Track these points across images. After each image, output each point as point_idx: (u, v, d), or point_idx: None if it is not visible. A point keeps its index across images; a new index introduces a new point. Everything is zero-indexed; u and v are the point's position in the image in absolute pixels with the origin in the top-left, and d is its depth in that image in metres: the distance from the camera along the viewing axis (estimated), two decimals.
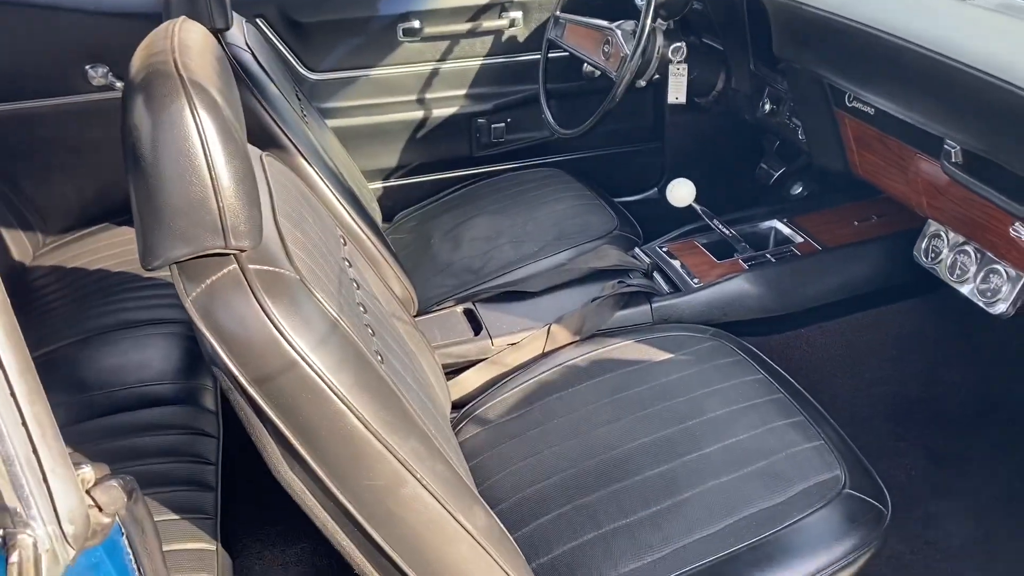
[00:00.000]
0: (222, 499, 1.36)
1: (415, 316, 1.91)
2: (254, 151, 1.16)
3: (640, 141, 2.98)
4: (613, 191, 2.64)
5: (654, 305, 1.97)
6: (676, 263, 2.15)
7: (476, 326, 1.95)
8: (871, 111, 1.87)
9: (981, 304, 1.80)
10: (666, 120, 2.96)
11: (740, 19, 2.32)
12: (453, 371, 1.81)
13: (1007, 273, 1.75)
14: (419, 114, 2.73)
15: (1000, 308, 1.76)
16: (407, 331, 1.45)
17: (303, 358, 0.84)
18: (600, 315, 1.88)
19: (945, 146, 1.63)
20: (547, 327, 1.85)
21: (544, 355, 1.78)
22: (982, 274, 1.81)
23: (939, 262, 1.93)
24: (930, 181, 1.80)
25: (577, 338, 1.81)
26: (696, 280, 2.05)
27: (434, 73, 2.69)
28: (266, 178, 1.11)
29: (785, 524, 1.22)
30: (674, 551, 1.22)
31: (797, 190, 2.77)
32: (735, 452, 1.34)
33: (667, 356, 1.60)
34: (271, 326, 0.83)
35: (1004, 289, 1.76)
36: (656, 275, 2.11)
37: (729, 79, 2.50)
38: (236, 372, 0.83)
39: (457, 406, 1.70)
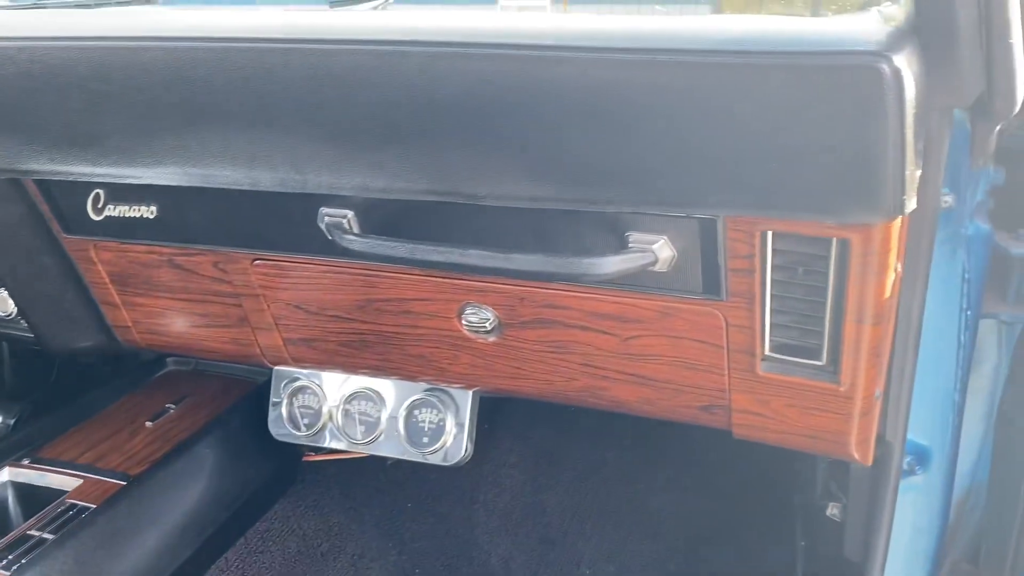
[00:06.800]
0: None
1: None
2: None
3: None
4: None
5: None
6: None
7: None
8: (152, 212, 1.04)
9: (431, 460, 1.16)
10: None
11: None
12: None
13: (441, 403, 1.14)
14: None
15: (458, 454, 1.14)
16: None
17: None
18: None
19: (326, 217, 0.94)
20: None
21: None
22: (404, 421, 1.17)
23: (320, 427, 1.21)
24: (288, 300, 1.07)
25: None
26: None
27: None
28: None
29: None
30: None
31: None
32: None
33: None
34: None
35: (448, 424, 1.14)
36: None
37: None
38: None
39: None
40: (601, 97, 0.72)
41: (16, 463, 1.22)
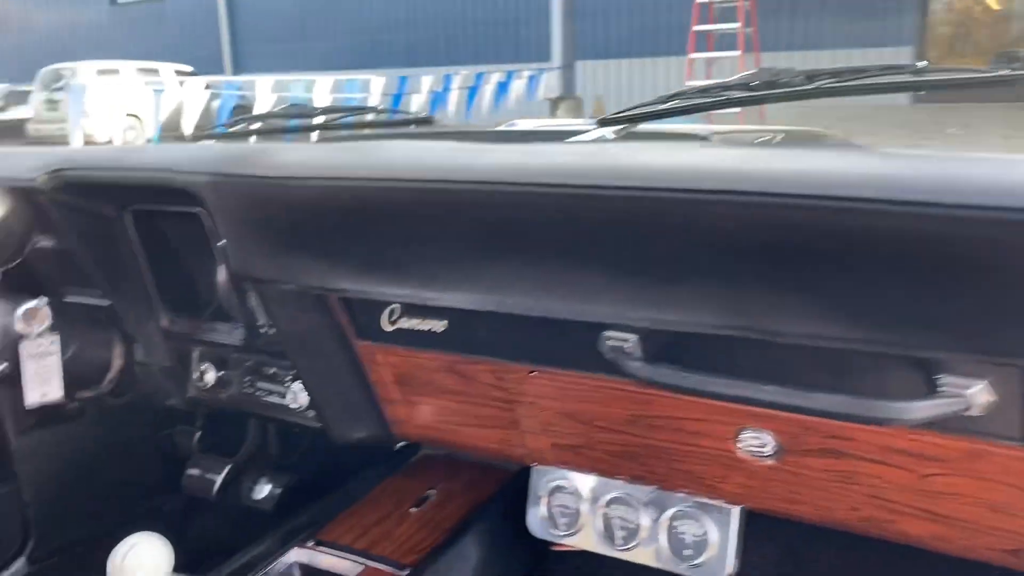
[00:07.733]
0: None
1: None
2: None
3: None
4: None
5: None
6: None
7: None
8: (441, 326, 1.13)
9: (684, 572, 1.15)
10: (12, 445, 1.78)
11: (126, 250, 1.41)
12: None
13: (705, 515, 1.14)
14: None
15: (722, 571, 1.13)
16: None
17: None
18: None
19: (608, 341, 0.98)
20: None
21: None
22: (665, 528, 1.17)
23: (578, 528, 1.24)
24: (560, 410, 1.12)
25: None
26: None
27: None
28: None
29: None
30: None
31: (263, 492, 1.85)
32: None
33: None
34: None
35: (713, 537, 1.14)
36: None
37: (130, 350, 1.52)
38: None
39: None
40: (928, 251, 0.71)
41: (302, 544, 1.34)
